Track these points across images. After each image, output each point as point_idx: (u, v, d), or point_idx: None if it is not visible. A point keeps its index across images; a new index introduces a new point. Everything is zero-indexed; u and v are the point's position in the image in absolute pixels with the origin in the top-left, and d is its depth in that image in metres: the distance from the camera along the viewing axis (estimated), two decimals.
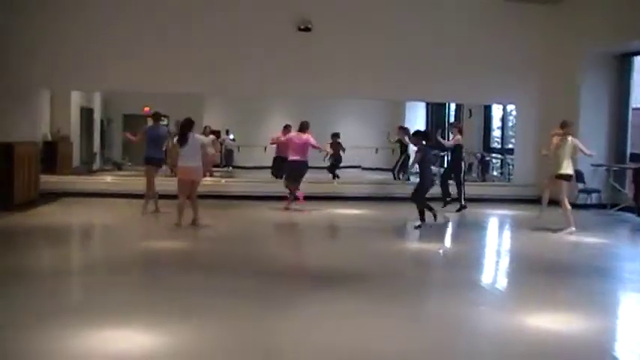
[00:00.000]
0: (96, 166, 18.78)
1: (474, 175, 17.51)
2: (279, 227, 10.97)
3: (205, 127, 16.12)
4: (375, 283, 6.70)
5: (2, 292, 5.86)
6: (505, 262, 8.63)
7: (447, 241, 10.10)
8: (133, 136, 11.29)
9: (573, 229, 9.85)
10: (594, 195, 13.07)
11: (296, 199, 11.83)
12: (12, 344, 4.48)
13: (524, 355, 4.65)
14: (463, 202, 12.16)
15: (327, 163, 16.81)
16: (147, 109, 17.61)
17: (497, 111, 18.48)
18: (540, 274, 7.39)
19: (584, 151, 10.08)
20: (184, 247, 8.62)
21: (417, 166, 10.28)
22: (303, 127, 11.88)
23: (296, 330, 5.04)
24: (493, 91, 14.88)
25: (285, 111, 20.92)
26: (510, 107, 17.19)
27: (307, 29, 13.56)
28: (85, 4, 13.17)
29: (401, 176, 16.27)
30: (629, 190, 12.63)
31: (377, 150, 21.76)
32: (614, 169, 13.01)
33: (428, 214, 10.25)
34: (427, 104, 21.73)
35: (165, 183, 11.45)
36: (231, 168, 20.43)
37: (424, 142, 10.30)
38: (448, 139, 13.50)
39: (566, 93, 13.56)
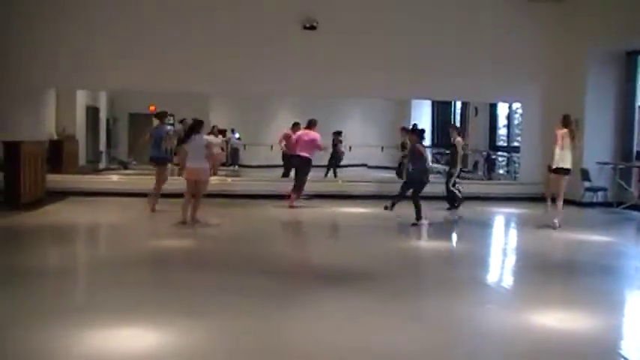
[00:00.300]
0: (102, 165, 18.86)
1: (480, 173, 17.45)
2: (285, 226, 10.99)
3: (213, 127, 16.21)
4: (380, 281, 6.69)
5: (9, 291, 5.87)
6: (511, 260, 8.61)
7: (453, 239, 10.10)
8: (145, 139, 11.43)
9: (557, 224, 9.89)
10: (600, 193, 13.04)
11: (288, 196, 11.91)
12: (19, 344, 4.50)
13: (530, 354, 4.64)
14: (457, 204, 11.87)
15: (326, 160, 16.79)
16: (152, 107, 17.67)
17: (503, 109, 18.46)
18: (546, 272, 7.39)
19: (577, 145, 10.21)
20: (190, 245, 8.65)
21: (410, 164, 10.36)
22: (311, 124, 12.05)
23: (301, 328, 5.04)
24: (499, 89, 14.87)
25: (290, 110, 20.95)
26: (516, 105, 17.16)
27: (312, 28, 13.55)
28: (86, 3, 13.20)
29: (404, 176, 16.19)
30: (635, 189, 12.61)
31: (382, 148, 21.75)
32: (621, 167, 12.97)
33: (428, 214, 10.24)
34: (433, 103, 21.71)
35: (169, 182, 11.48)
36: (236, 167, 20.48)
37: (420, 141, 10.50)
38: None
39: (572, 91, 13.51)
